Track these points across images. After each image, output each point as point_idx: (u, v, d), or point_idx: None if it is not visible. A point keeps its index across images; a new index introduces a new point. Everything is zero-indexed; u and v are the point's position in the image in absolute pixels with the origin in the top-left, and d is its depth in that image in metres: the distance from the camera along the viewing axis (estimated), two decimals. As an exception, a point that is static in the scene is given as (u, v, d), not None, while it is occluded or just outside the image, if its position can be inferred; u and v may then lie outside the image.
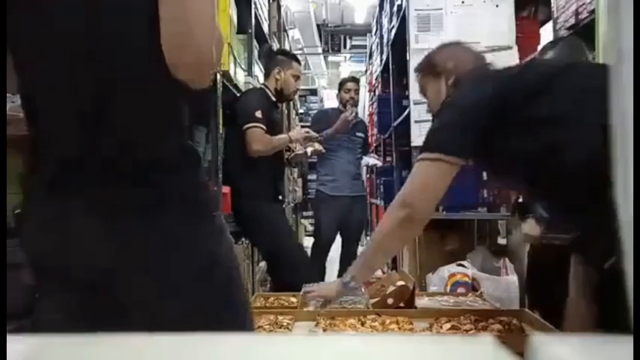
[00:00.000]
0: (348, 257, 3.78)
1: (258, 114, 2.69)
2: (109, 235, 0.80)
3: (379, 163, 3.71)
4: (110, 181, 0.81)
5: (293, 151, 3.25)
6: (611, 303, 1.18)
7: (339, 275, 3.65)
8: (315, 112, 8.37)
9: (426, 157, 1.23)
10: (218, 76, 2.35)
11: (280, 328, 1.71)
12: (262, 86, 3.01)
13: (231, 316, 0.90)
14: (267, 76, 3.02)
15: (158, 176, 0.82)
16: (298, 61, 3.15)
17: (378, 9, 5.40)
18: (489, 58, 2.36)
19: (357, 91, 3.82)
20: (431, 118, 3.03)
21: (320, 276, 3.53)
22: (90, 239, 0.81)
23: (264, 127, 2.69)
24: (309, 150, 3.12)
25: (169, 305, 0.84)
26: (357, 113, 3.88)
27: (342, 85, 3.91)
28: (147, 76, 0.81)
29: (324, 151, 3.32)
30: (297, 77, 3.04)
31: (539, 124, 1.16)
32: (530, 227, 1.91)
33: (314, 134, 3.13)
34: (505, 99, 1.20)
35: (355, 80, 4.02)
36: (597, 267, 1.21)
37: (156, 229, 0.82)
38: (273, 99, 2.95)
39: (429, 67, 1.47)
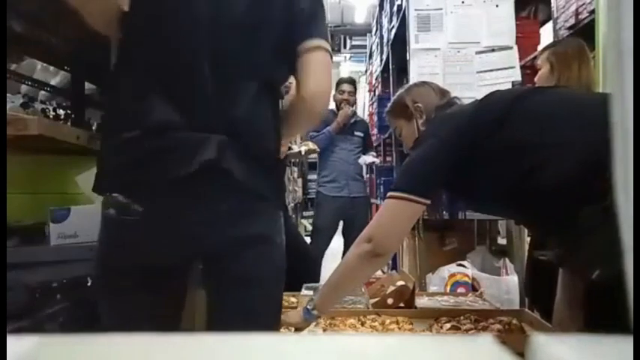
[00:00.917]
0: None
1: None
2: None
3: (376, 161, 3.68)
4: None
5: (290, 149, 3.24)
6: (599, 309, 1.20)
7: None
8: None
9: (394, 196, 1.28)
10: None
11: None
12: None
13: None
14: None
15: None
16: None
17: (378, 9, 5.40)
18: (489, 58, 2.36)
19: (351, 93, 3.78)
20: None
21: (315, 276, 3.52)
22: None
23: None
24: (303, 149, 3.11)
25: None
26: (355, 112, 3.86)
27: (337, 85, 3.89)
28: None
29: (318, 150, 3.31)
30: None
31: (508, 150, 1.19)
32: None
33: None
34: (473, 129, 1.25)
35: (351, 82, 3.99)
36: (584, 277, 1.24)
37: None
38: None
39: (401, 109, 1.53)
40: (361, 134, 3.75)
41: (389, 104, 1.61)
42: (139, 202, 0.91)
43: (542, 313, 1.89)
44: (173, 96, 0.93)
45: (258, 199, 0.99)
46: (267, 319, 1.04)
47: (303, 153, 3.22)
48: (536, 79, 2.18)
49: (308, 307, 1.42)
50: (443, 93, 1.52)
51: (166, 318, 1.00)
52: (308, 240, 3.34)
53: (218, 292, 1.02)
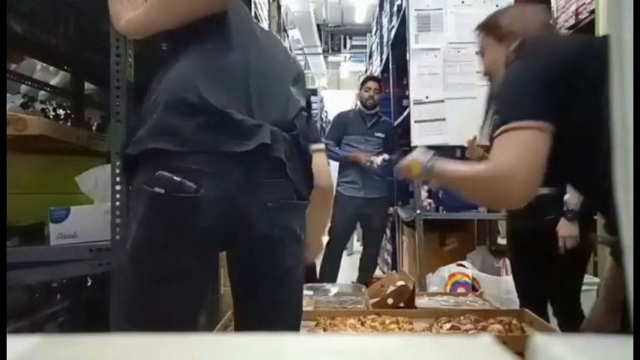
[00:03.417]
0: (366, 259, 3.78)
1: None
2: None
3: (387, 156, 3.64)
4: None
5: None
6: None
7: (359, 278, 3.64)
8: (313, 110, 8.37)
9: (518, 126, 1.03)
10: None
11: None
12: None
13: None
14: None
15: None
16: None
17: (378, 9, 5.41)
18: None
19: (376, 90, 3.77)
20: (431, 118, 2.97)
21: (333, 276, 3.53)
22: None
23: None
24: None
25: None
26: (378, 112, 3.84)
27: (362, 83, 3.88)
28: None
29: None
30: None
31: (601, 96, 1.01)
32: (566, 228, 1.82)
33: None
34: (575, 65, 1.07)
35: (376, 79, 3.98)
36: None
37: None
38: None
39: (493, 29, 1.33)
40: (382, 135, 3.72)
41: (484, 19, 1.39)
42: (193, 180, 0.90)
43: (533, 306, 1.88)
44: (233, 85, 0.98)
45: (297, 195, 1.04)
46: (294, 311, 1.13)
47: None
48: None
49: (428, 164, 1.31)
50: (544, 20, 1.34)
51: (196, 304, 1.00)
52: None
53: (249, 286, 1.04)
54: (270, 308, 1.04)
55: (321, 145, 1.27)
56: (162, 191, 0.90)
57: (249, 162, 0.94)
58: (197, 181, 0.90)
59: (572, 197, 1.79)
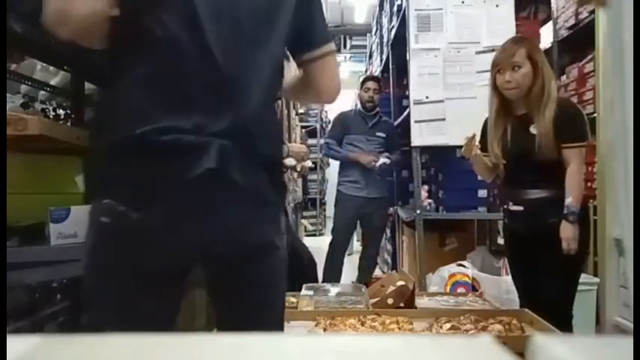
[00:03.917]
0: (366, 258, 3.78)
1: None
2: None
3: (387, 161, 3.65)
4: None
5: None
6: None
7: (359, 277, 3.65)
8: (313, 110, 8.39)
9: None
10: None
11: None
12: None
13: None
14: None
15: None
16: (287, 59, 3.05)
17: (378, 9, 5.41)
18: (489, 58, 2.34)
19: (376, 91, 3.76)
20: (431, 118, 2.98)
21: (336, 275, 3.53)
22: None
23: None
24: (299, 166, 3.12)
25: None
26: (378, 112, 3.84)
27: (362, 84, 3.87)
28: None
29: (312, 167, 3.30)
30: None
31: None
32: (568, 231, 1.78)
33: (307, 150, 3.10)
34: None
35: (375, 79, 3.97)
36: None
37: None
38: None
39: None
40: (383, 135, 3.72)
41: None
42: (137, 210, 0.85)
43: (531, 305, 1.88)
44: (175, 97, 0.89)
45: (263, 204, 0.96)
46: (272, 327, 1.02)
47: (298, 169, 3.23)
48: (513, 83, 1.88)
49: None
50: None
51: (161, 323, 0.94)
52: (308, 240, 3.34)
53: (224, 301, 1.00)
54: (247, 322, 0.98)
55: (330, 47, 1.13)
56: (108, 220, 0.87)
57: (196, 188, 0.87)
58: (144, 211, 0.86)
59: (573, 199, 1.79)
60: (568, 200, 1.79)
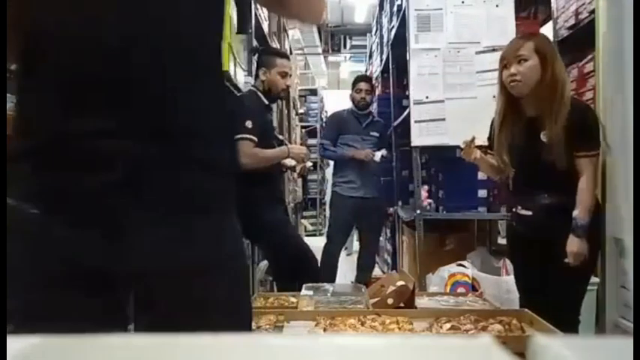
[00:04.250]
0: (365, 258, 3.78)
1: (249, 124, 2.58)
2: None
3: (385, 152, 3.65)
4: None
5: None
6: None
7: (358, 277, 3.64)
8: (313, 110, 8.38)
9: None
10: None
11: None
12: (254, 89, 2.88)
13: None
14: (255, 78, 2.95)
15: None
16: (285, 57, 3.01)
17: (378, 9, 5.41)
18: (489, 58, 2.34)
19: (368, 91, 3.76)
20: (431, 118, 2.98)
21: (330, 277, 3.52)
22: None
23: (254, 137, 2.59)
24: (298, 167, 3.13)
25: None
26: (371, 112, 3.84)
27: (354, 84, 3.88)
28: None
29: (312, 168, 3.31)
30: (284, 74, 2.86)
31: None
32: (574, 245, 1.70)
33: (308, 152, 3.09)
34: None
35: (367, 80, 3.97)
36: None
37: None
38: (265, 101, 2.84)
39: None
40: (377, 134, 3.74)
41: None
42: (46, 214, 0.74)
43: (533, 306, 1.87)
44: (69, 97, 0.75)
45: (193, 216, 0.78)
46: None
47: (297, 170, 3.24)
48: (518, 76, 1.81)
49: None
50: None
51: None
52: (308, 240, 3.34)
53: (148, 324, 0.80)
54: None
55: None
56: (19, 221, 0.76)
57: (100, 201, 0.74)
58: (52, 217, 0.74)
59: (581, 212, 1.68)
60: (575, 212, 1.70)
